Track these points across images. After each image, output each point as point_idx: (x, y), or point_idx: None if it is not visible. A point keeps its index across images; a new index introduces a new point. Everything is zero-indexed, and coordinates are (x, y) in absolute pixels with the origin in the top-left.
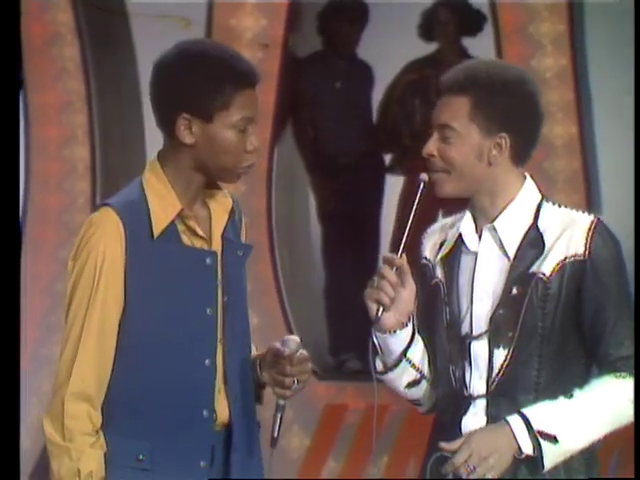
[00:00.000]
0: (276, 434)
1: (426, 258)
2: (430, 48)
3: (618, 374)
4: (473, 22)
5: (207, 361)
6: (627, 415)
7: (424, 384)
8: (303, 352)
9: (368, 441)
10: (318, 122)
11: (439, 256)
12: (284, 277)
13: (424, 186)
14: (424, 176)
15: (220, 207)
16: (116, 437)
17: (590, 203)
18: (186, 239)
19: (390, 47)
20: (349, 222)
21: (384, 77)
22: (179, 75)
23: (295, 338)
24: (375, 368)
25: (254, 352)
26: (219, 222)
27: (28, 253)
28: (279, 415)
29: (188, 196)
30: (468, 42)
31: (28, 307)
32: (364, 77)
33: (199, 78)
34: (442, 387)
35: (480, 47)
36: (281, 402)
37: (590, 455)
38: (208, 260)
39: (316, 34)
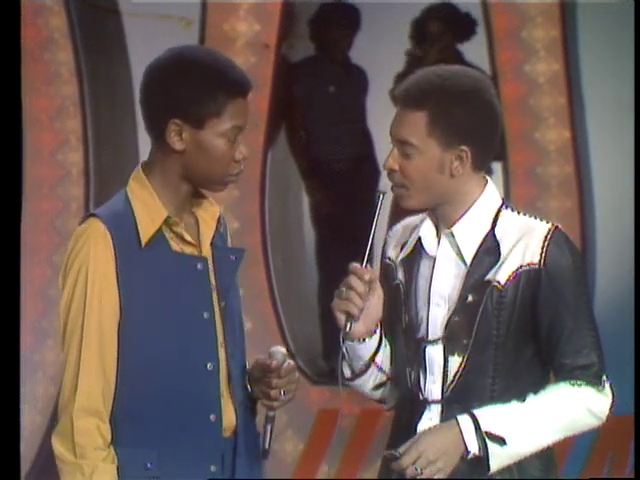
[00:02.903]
0: (267, 446)
1: (389, 258)
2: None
3: (573, 382)
4: (465, 27)
5: (209, 365)
6: (583, 424)
7: (389, 384)
8: (290, 362)
9: (362, 446)
10: (312, 127)
11: (400, 257)
12: (277, 282)
13: (383, 198)
14: (382, 188)
15: (208, 215)
16: (122, 447)
17: (583, 208)
18: (175, 245)
19: (384, 51)
20: (343, 227)
21: (378, 81)
22: (172, 80)
23: (281, 349)
24: (343, 375)
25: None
26: (207, 230)
27: (21, 258)
28: (269, 427)
29: (175, 205)
30: (460, 46)
31: (21, 312)
32: (358, 81)
33: (192, 84)
34: (399, 389)
35: (473, 52)
36: (270, 413)
37: (547, 460)
38: (199, 265)
39: (309, 39)
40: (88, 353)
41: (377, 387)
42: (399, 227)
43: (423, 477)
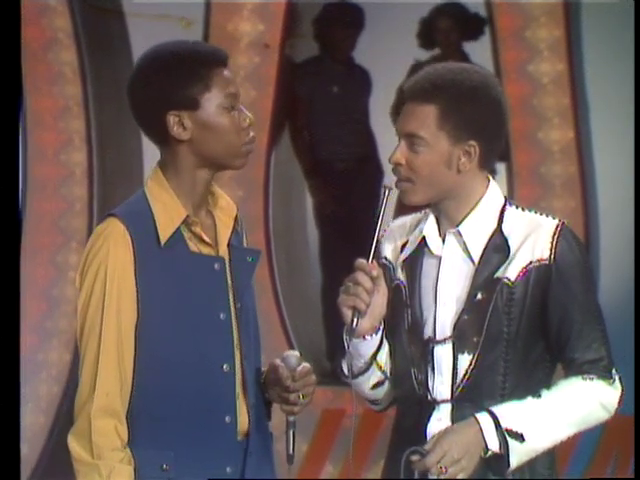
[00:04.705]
0: (291, 451)
1: (386, 258)
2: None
3: (585, 376)
4: (474, 27)
5: (225, 366)
6: (595, 417)
7: (387, 384)
8: (305, 365)
9: (366, 446)
10: (315, 127)
11: (401, 258)
12: (281, 282)
13: (389, 194)
14: (389, 184)
15: (225, 215)
16: (138, 448)
17: (587, 208)
18: (193, 246)
19: (387, 51)
20: (346, 227)
21: (381, 81)
22: (153, 78)
23: (295, 353)
24: (346, 373)
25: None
26: (225, 230)
27: (24, 258)
28: (291, 432)
29: (193, 200)
30: (464, 46)
31: (24, 312)
32: (361, 82)
33: (173, 72)
34: (403, 390)
35: (476, 52)
36: (291, 418)
37: (551, 457)
38: (216, 266)
39: (313, 39)
40: (106, 353)
41: (375, 386)
42: (394, 227)
43: (447, 476)
